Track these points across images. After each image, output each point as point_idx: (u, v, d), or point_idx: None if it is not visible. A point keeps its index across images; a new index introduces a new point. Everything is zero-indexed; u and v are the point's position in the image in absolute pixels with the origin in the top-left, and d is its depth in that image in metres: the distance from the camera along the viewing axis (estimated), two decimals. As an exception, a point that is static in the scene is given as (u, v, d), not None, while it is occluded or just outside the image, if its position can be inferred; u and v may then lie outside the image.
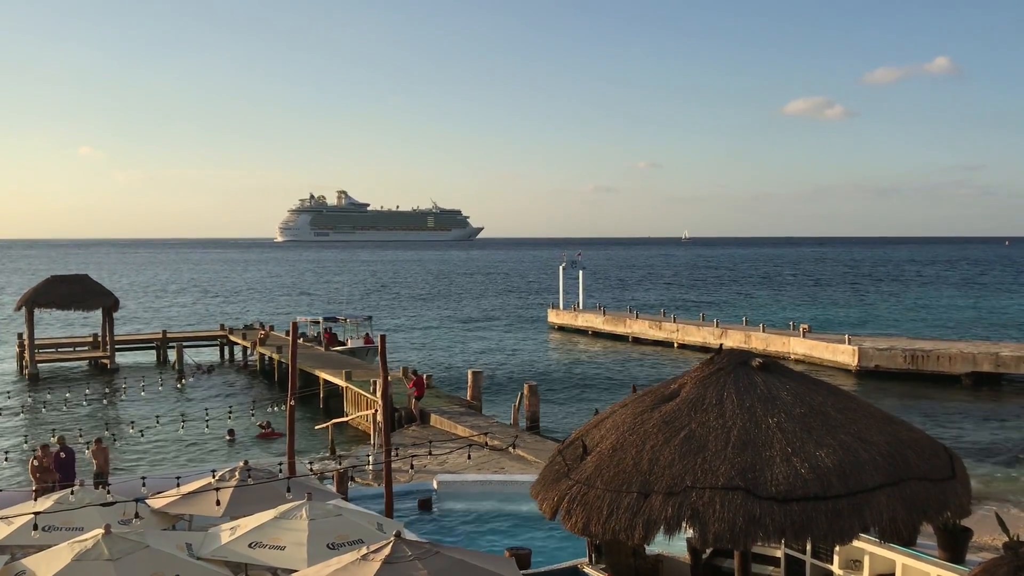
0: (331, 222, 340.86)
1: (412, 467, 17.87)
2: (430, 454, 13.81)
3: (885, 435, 8.85)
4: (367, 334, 44.35)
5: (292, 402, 15.79)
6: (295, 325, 17.13)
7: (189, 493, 11.91)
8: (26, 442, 24.79)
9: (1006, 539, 9.64)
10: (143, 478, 14.01)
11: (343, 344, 43.70)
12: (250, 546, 9.73)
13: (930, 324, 60.82)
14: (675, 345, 49.54)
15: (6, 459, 21.28)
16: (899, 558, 10.27)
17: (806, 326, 45.32)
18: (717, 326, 48.32)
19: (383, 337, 15.20)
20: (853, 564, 10.92)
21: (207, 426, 24.06)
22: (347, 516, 10.36)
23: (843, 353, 39.12)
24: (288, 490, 10.88)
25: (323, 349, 42.06)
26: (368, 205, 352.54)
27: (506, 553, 11.74)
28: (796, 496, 7.90)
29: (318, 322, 47.08)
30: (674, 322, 51.35)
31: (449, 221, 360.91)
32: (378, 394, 26.31)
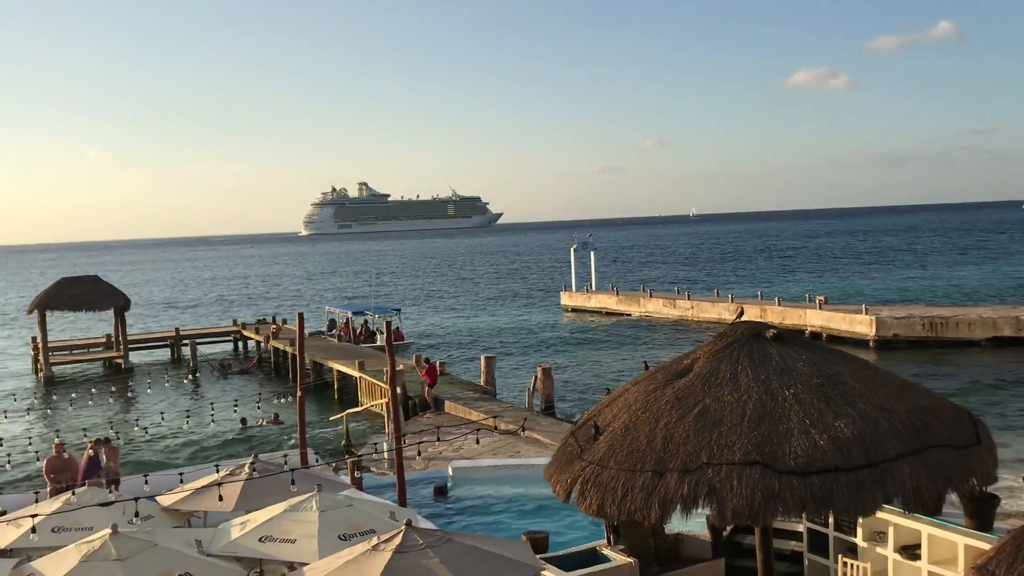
0: (353, 214, 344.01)
1: (420, 454, 17.80)
2: (438, 440, 13.60)
3: (905, 402, 8.60)
4: (397, 328, 43.64)
5: (300, 393, 15.62)
6: (301, 316, 16.97)
7: (200, 489, 11.77)
8: (44, 444, 24.84)
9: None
10: (145, 475, 13.87)
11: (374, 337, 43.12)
12: (260, 540, 9.57)
13: (947, 294, 60.21)
14: (690, 322, 49.24)
15: (36, 457, 21.37)
16: (925, 528, 10.01)
17: (822, 297, 44.90)
18: (732, 301, 47.96)
19: (389, 324, 15.03)
20: (877, 536, 10.67)
21: (213, 421, 23.95)
22: (358, 507, 10.18)
23: (860, 323, 38.72)
24: (292, 483, 10.70)
25: (354, 344, 41.46)
26: (389, 196, 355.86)
27: (523, 537, 11.55)
28: (815, 469, 7.67)
29: (348, 315, 46.86)
30: (688, 299, 51.03)
31: (469, 208, 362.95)
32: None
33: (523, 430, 21.00)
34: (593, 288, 61.10)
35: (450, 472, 17.79)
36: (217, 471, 12.17)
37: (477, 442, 17.95)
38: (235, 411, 28.54)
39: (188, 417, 27.76)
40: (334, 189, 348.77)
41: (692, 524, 11.05)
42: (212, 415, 28.62)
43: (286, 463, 12.73)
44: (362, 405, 29.28)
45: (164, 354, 47.08)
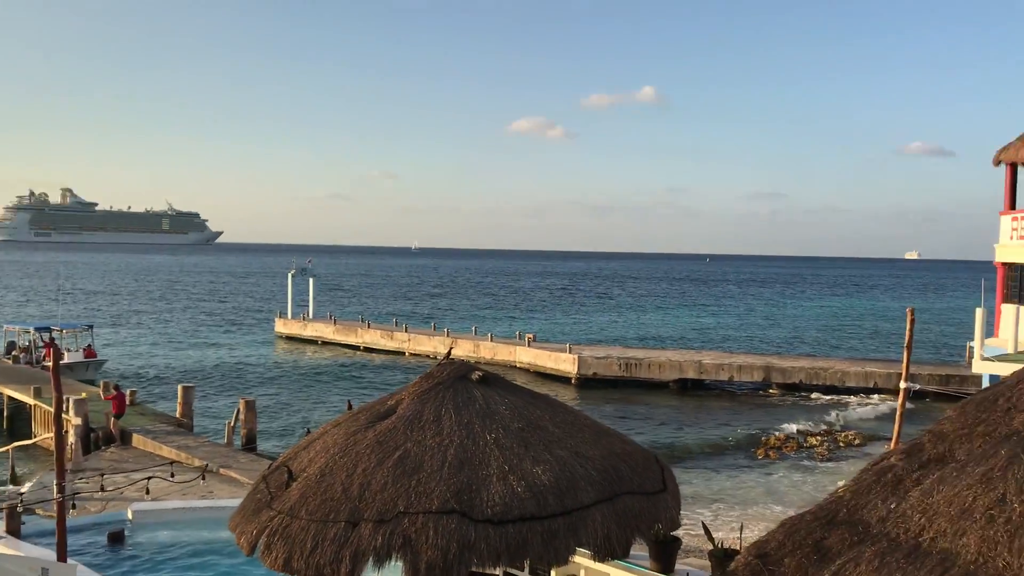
0: (54, 222, 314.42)
1: (103, 489, 15.96)
2: (122, 477, 12.17)
3: (601, 449, 8.74)
4: (89, 346, 39.37)
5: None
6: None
7: None
8: None
9: (710, 547, 9.92)
10: None
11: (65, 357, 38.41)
12: None
13: (643, 335, 65.06)
14: (407, 354, 49.28)
15: None
16: (613, 571, 10.29)
17: (531, 335, 46.72)
18: (448, 335, 48.63)
19: (51, 342, 13.32)
20: (569, 578, 10.84)
21: None
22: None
23: (565, 361, 40.64)
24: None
25: (34, 366, 36.63)
26: (97, 205, 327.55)
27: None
28: (512, 517, 7.55)
29: (29, 332, 41.47)
30: (406, 331, 51.12)
31: (185, 224, 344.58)
32: (70, 412, 23.60)
33: (207, 472, 19.56)
34: (310, 316, 59.55)
35: (129, 516, 16.08)
36: None
37: (167, 480, 16.43)
38: None
39: None
40: (32, 193, 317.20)
41: None
42: None
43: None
44: (36, 436, 26.16)
45: None
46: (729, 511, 19.87)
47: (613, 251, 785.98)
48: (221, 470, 19.77)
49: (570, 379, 39.72)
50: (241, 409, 25.64)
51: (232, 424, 25.58)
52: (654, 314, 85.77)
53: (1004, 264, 26.55)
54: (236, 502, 15.03)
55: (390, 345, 51.04)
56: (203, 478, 17.58)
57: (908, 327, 12.55)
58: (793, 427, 30.63)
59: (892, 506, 5.57)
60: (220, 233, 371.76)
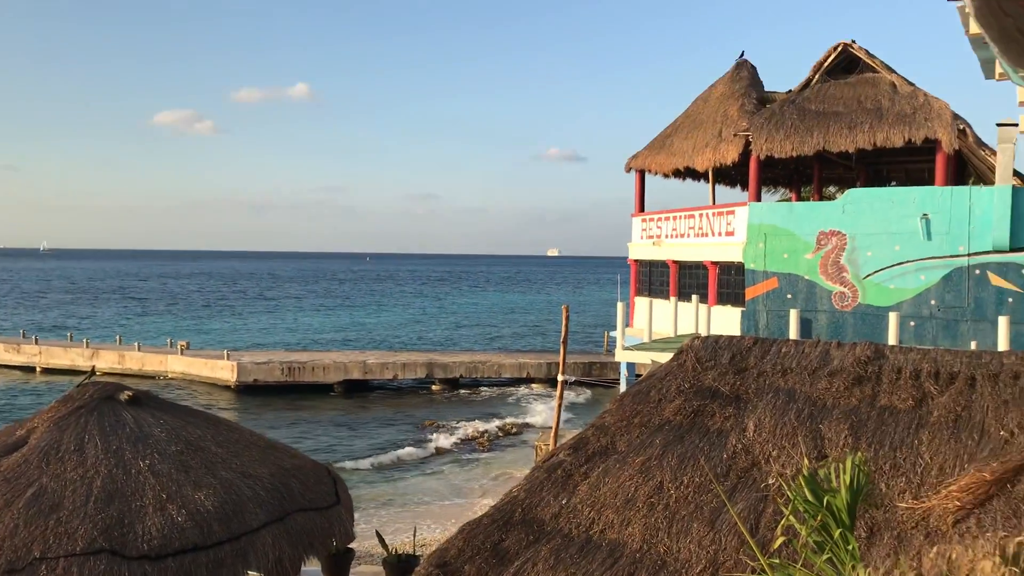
0: None
1: None
2: None
3: (269, 466, 8.31)
4: None
5: None
6: None
7: None
8: None
9: (385, 554, 9.79)
10: None
11: None
12: None
13: (306, 338, 63.91)
14: (38, 370, 44.11)
15: None
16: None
17: (184, 343, 43.94)
18: (88, 346, 44.25)
19: None
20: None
21: None
22: None
23: (223, 369, 38.67)
24: None
25: None
26: None
27: None
28: (172, 550, 6.90)
29: None
30: (36, 344, 45.74)
31: None
32: None
33: None
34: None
35: None
36: None
37: None
38: None
39: None
40: None
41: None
42: None
43: None
44: None
45: None
46: (401, 512, 20.00)
47: (272, 250, 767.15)
48: None
49: (229, 387, 37.91)
50: None
51: None
52: (316, 315, 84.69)
53: (636, 261, 29.39)
54: None
55: (17, 360, 45.38)
56: None
57: (564, 323, 13.34)
58: (457, 421, 31.65)
59: (564, 502, 5.77)
60: None
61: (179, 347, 42.74)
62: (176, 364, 40.89)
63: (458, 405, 35.60)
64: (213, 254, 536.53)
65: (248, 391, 37.39)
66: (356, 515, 9.72)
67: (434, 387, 39.11)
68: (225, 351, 41.56)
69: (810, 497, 3.33)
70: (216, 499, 7.48)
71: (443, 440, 28.67)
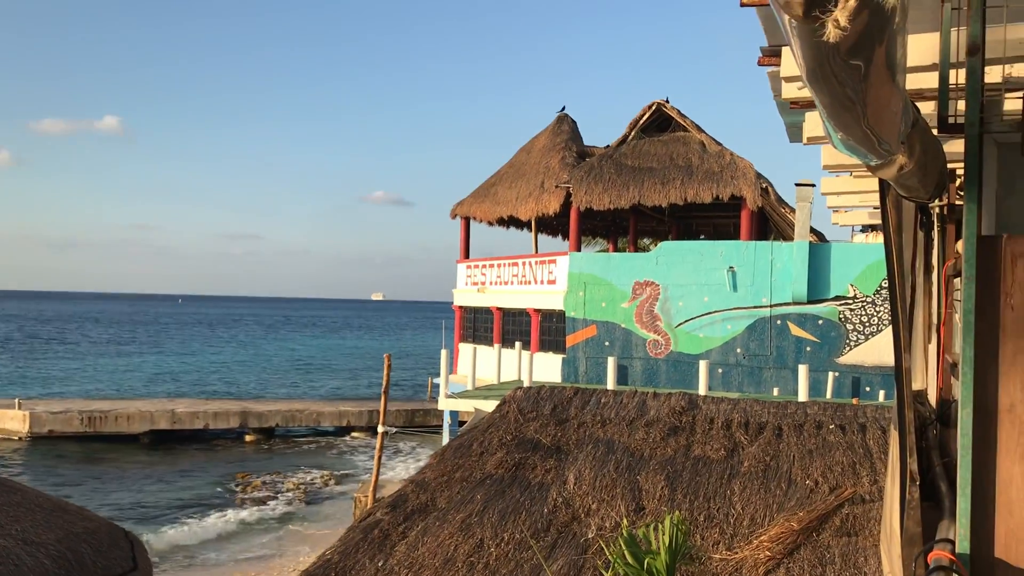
0: None
1: None
2: None
3: (56, 531, 7.55)
4: None
5: None
6: None
7: None
8: None
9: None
10: None
11: None
12: None
13: (109, 385, 59.97)
14: None
15: None
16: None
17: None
18: None
19: None
20: None
21: None
22: None
23: (13, 419, 35.54)
24: None
25: None
26: None
27: None
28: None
29: None
30: None
31: None
32: None
33: None
34: None
35: None
36: None
37: None
38: None
39: None
40: None
41: None
42: None
43: None
44: None
45: None
46: (213, 571, 18.83)
47: (76, 290, 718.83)
48: None
49: (20, 439, 34.86)
50: None
51: None
52: (122, 360, 79.76)
53: (461, 307, 29.47)
54: None
55: None
56: None
57: (385, 372, 13.07)
58: (272, 473, 30.39)
59: (380, 563, 5.51)
60: None
61: (-38, 396, 39.01)
62: (-43, 415, 37.25)
63: (274, 456, 34.24)
64: (5, 293, 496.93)
65: (42, 442, 34.51)
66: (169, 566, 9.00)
67: (248, 437, 37.44)
68: (17, 399, 38.30)
69: (630, 560, 3.29)
70: (-10, 572, 6.69)
71: (256, 493, 27.41)
